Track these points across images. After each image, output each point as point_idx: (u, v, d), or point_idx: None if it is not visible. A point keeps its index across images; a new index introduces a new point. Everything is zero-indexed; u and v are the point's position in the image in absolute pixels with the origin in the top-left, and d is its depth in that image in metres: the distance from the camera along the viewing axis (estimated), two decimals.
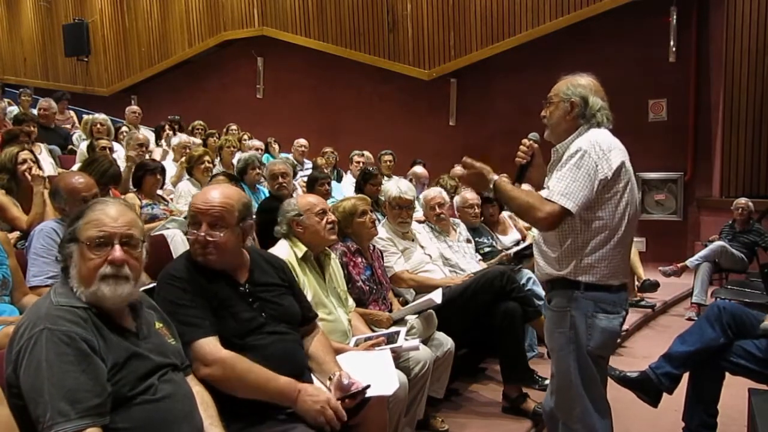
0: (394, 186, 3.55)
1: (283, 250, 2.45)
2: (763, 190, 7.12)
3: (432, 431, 2.87)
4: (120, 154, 5.27)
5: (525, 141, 2.22)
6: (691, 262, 5.71)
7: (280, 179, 4.32)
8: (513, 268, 3.70)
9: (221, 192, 1.92)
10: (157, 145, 6.69)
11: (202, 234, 1.84)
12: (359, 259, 2.94)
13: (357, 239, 3.00)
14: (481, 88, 9.11)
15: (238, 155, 5.70)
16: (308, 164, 7.10)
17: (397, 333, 2.52)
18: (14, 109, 6.99)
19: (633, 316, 5.03)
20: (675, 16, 7.80)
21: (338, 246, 2.85)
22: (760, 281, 4.65)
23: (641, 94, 8.07)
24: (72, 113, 7.86)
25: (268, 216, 2.98)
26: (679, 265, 5.79)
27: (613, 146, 2.01)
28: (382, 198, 3.79)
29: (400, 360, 2.46)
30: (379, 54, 9.61)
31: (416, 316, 2.86)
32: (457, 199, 4.37)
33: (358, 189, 5.00)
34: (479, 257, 4.03)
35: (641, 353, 4.31)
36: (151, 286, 1.94)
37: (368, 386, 1.87)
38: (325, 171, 6.12)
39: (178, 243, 3.23)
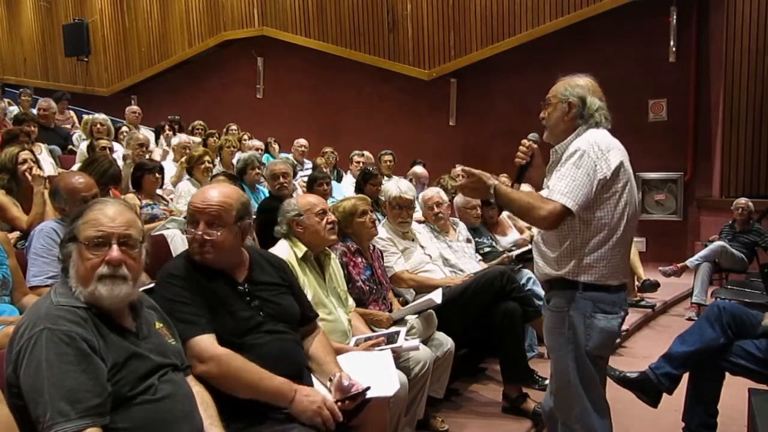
0: (394, 186, 3.55)
1: (283, 250, 2.45)
2: (763, 190, 7.13)
3: (432, 431, 2.86)
4: (120, 154, 5.27)
5: (524, 141, 2.22)
6: (691, 262, 5.71)
7: (281, 179, 4.32)
8: (513, 268, 3.70)
9: (219, 191, 1.93)
10: (157, 145, 6.69)
11: (200, 233, 1.85)
12: (359, 259, 2.94)
13: (357, 239, 3.00)
14: (481, 88, 9.11)
15: (238, 155, 5.70)
16: (308, 164, 7.10)
17: (397, 333, 2.52)
18: (14, 109, 6.99)
19: (633, 316, 5.03)
20: (675, 16, 7.80)
21: (338, 246, 2.85)
22: (760, 281, 4.65)
23: (641, 94, 8.07)
24: (72, 113, 7.86)
25: (268, 216, 2.98)
26: (679, 265, 5.79)
27: (612, 146, 2.01)
28: (382, 198, 3.79)
29: (400, 360, 2.46)
30: (379, 54, 9.62)
31: (416, 316, 2.86)
32: (458, 199, 4.36)
33: (358, 189, 5.00)
34: (479, 257, 4.04)
35: (641, 353, 4.31)
36: (151, 285, 1.94)
37: (368, 388, 1.87)
38: (325, 171, 6.13)
39: (178, 243, 3.23)
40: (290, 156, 7.00)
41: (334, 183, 5.61)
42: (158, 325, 1.66)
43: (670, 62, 7.90)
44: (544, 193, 2.02)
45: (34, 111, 6.42)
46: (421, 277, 3.39)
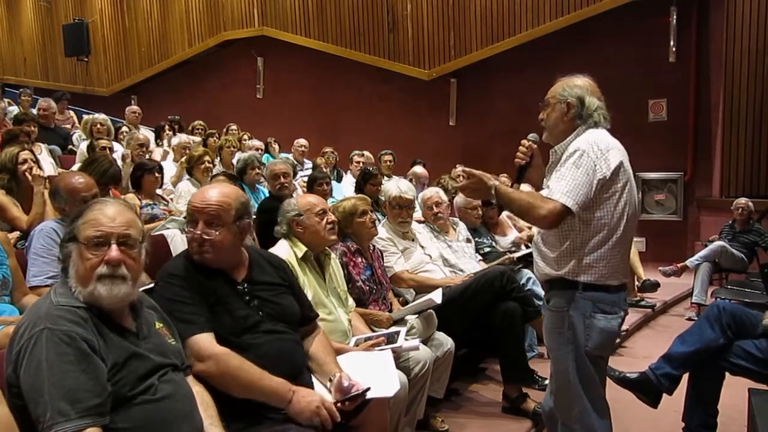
0: (394, 186, 3.55)
1: (283, 250, 2.45)
2: (763, 190, 7.13)
3: (432, 431, 2.86)
4: (120, 154, 5.27)
5: (524, 142, 2.22)
6: (691, 262, 5.71)
7: (282, 179, 4.32)
8: (513, 268, 3.70)
9: (218, 191, 1.93)
10: (157, 145, 6.69)
11: (198, 232, 1.85)
12: (359, 259, 2.94)
13: (357, 239, 3.00)
14: (481, 88, 9.11)
15: (238, 155, 5.70)
16: (308, 164, 7.10)
17: (397, 333, 2.52)
18: (14, 109, 6.99)
19: (633, 316, 5.03)
20: (675, 16, 7.80)
21: (338, 246, 2.86)
22: (760, 281, 4.65)
23: (641, 94, 8.07)
24: (72, 113, 7.86)
25: (268, 216, 2.98)
26: (679, 265, 5.79)
27: (612, 146, 2.02)
28: (382, 198, 3.79)
29: (400, 360, 2.46)
30: (379, 54, 9.62)
31: (416, 316, 2.86)
32: (459, 200, 4.36)
33: (358, 189, 5.00)
34: (479, 257, 4.03)
35: (641, 353, 4.31)
36: (151, 286, 1.94)
37: (368, 389, 1.87)
38: (325, 171, 6.13)
39: (178, 243, 3.23)
40: (290, 156, 7.00)
41: (334, 183, 5.61)
42: (158, 325, 1.66)
43: (670, 62, 7.90)
44: (544, 192, 2.02)
45: (34, 111, 6.42)
46: (421, 277, 3.39)
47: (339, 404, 1.83)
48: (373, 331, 2.69)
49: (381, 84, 9.75)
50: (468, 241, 3.97)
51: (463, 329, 3.09)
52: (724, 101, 7.36)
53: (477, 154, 8.62)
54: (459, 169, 4.88)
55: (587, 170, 1.94)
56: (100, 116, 6.03)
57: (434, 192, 3.95)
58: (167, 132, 6.99)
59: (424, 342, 2.75)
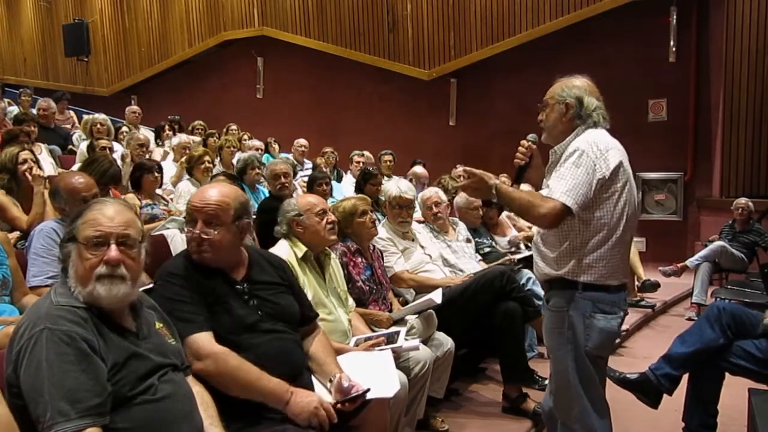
0: (394, 185, 3.55)
1: (283, 250, 2.45)
2: (763, 190, 7.13)
3: (432, 431, 2.86)
4: (120, 154, 5.27)
5: (523, 142, 2.23)
6: (691, 262, 5.71)
7: (282, 179, 4.32)
8: (513, 268, 3.70)
9: (217, 191, 1.94)
10: (157, 145, 6.69)
11: (197, 232, 1.86)
12: (359, 259, 2.94)
13: (357, 239, 3.00)
14: (481, 88, 9.11)
15: (238, 155, 5.70)
16: (308, 164, 7.10)
17: (397, 333, 2.52)
18: (14, 109, 6.99)
19: (633, 316, 5.03)
20: (675, 16, 7.80)
21: (338, 246, 2.86)
22: (760, 281, 4.65)
23: (641, 94, 8.08)
24: (72, 113, 7.86)
25: (268, 216, 2.98)
26: (679, 265, 5.79)
27: (611, 146, 2.02)
28: (382, 198, 3.79)
29: (400, 360, 2.46)
30: (379, 54, 9.62)
31: (416, 316, 2.86)
32: (460, 200, 4.36)
33: (358, 189, 5.00)
34: (479, 258, 4.04)
35: (641, 353, 4.31)
36: (151, 286, 1.94)
37: (368, 390, 1.87)
38: (325, 171, 6.13)
39: (178, 243, 3.23)
40: (290, 156, 7.00)
41: (334, 183, 5.61)
42: (158, 325, 1.66)
43: (670, 62, 7.90)
44: (544, 192, 2.02)
45: (34, 111, 6.42)
46: (421, 277, 3.39)
47: (339, 405, 1.83)
48: (373, 331, 2.69)
49: (381, 84, 9.75)
50: (468, 241, 3.97)
51: (463, 329, 3.09)
52: (724, 101, 7.36)
53: (477, 154, 8.62)
54: (459, 169, 4.88)
55: (587, 170, 1.94)
56: (100, 116, 6.03)
57: (433, 192, 3.95)
58: (167, 132, 6.99)
59: (424, 342, 2.75)
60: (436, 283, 3.27)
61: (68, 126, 7.20)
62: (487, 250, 4.19)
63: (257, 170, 4.81)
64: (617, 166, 1.99)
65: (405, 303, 3.26)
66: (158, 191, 4.25)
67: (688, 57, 7.87)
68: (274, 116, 10.38)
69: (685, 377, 2.76)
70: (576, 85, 2.11)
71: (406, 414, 2.47)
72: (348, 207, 2.99)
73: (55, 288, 1.51)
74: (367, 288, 2.90)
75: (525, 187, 2.33)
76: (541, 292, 3.59)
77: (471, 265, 3.74)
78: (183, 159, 4.93)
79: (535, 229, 2.51)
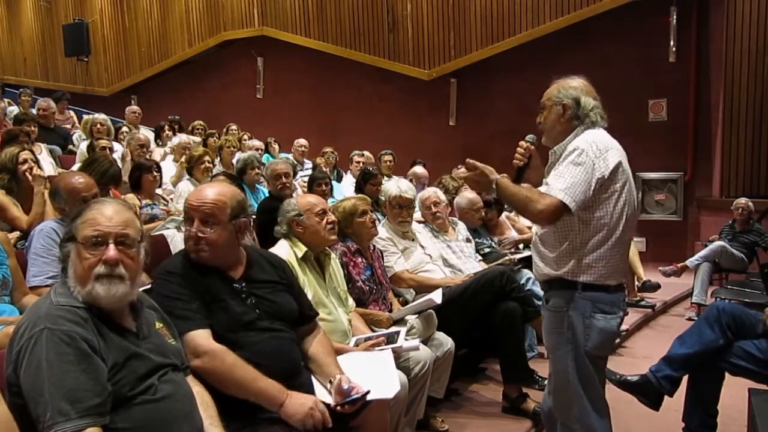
0: (394, 185, 3.55)
1: (283, 250, 2.45)
2: (763, 190, 7.13)
3: (432, 431, 2.86)
4: (120, 154, 5.27)
5: (522, 143, 2.23)
6: (691, 262, 5.71)
7: (283, 179, 4.32)
8: (513, 268, 3.70)
9: (214, 190, 1.95)
10: (157, 145, 6.69)
11: (194, 230, 1.86)
12: (359, 259, 2.94)
13: (357, 239, 3.00)
14: (481, 88, 9.11)
15: (238, 155, 5.70)
16: (308, 164, 7.10)
17: (397, 333, 2.52)
18: (14, 109, 7.00)
19: (633, 316, 5.02)
20: (675, 16, 7.80)
21: (338, 246, 2.86)
22: (760, 281, 4.65)
23: (641, 94, 8.07)
24: (72, 113, 7.86)
25: (268, 216, 2.98)
26: (679, 265, 5.79)
27: (611, 146, 2.02)
28: (382, 198, 3.79)
29: (400, 360, 2.46)
30: (379, 54, 9.62)
31: (416, 316, 2.86)
32: (461, 200, 4.36)
33: (358, 189, 5.00)
34: (479, 258, 4.04)
35: (641, 353, 4.31)
36: (150, 286, 1.94)
37: (368, 392, 1.87)
38: (325, 171, 6.12)
39: (178, 243, 3.23)
40: (290, 156, 7.00)
41: (334, 183, 5.61)
42: (158, 325, 1.66)
43: (670, 62, 7.90)
44: (542, 189, 2.02)
45: (34, 111, 6.42)
46: (421, 277, 3.39)
47: (339, 408, 1.83)
48: (373, 331, 2.69)
49: (381, 84, 9.75)
50: (468, 240, 3.97)
51: (463, 329, 3.09)
52: (724, 101, 7.35)
53: (477, 154, 8.45)
54: (461, 169, 4.88)
55: (586, 169, 1.95)
56: (100, 116, 6.03)
57: (432, 192, 3.95)
58: (167, 132, 7.00)
59: (424, 342, 2.75)
60: (436, 283, 3.27)
61: (68, 126, 7.20)
62: (487, 250, 4.19)
63: (257, 170, 4.81)
64: (616, 166, 1.99)
65: (405, 303, 3.26)
66: (158, 191, 4.25)
67: (688, 57, 7.87)
68: (274, 116, 10.38)
69: (685, 377, 2.76)
70: (573, 86, 2.11)
71: (406, 414, 2.47)
72: (348, 207, 2.99)
73: (55, 288, 1.51)
74: (367, 288, 2.90)
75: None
76: (541, 292, 3.58)
77: (471, 265, 3.74)
78: (183, 159, 4.92)
79: (534, 229, 2.52)
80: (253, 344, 1.85)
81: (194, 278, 1.86)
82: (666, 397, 2.74)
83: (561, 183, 1.94)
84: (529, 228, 4.78)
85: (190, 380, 1.67)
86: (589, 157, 1.96)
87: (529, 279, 3.79)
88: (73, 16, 12.31)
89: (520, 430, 3.00)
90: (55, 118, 6.63)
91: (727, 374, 2.72)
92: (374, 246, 3.18)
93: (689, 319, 5.29)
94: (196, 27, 11.27)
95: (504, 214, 4.87)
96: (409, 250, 3.47)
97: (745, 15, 7.16)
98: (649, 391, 2.72)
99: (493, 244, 4.36)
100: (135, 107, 7.44)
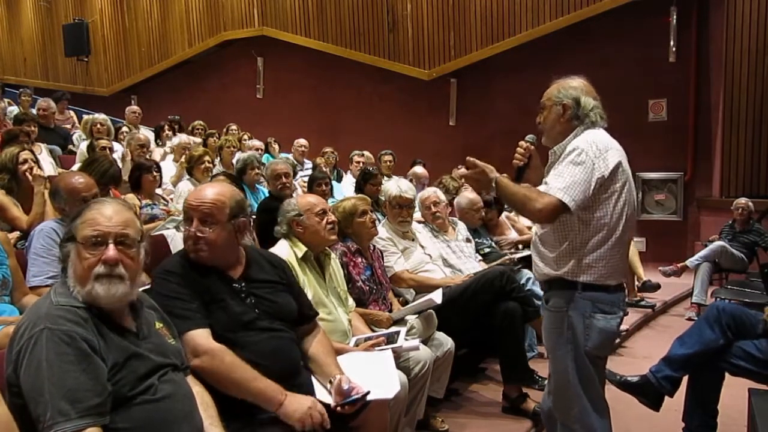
0: (394, 185, 3.55)
1: (283, 250, 2.45)
2: (763, 190, 7.13)
3: (432, 431, 2.86)
4: (120, 154, 5.27)
5: (522, 143, 2.23)
6: (691, 262, 5.71)
7: (283, 179, 4.32)
8: (513, 268, 3.70)
9: (213, 189, 1.95)
10: (157, 145, 6.69)
11: (193, 230, 1.87)
12: (359, 259, 2.94)
13: (357, 239, 3.00)
14: (481, 88, 9.11)
15: (238, 155, 5.70)
16: (308, 164, 7.10)
17: (397, 333, 2.52)
18: (14, 109, 7.00)
19: (633, 316, 5.02)
20: (675, 16, 7.80)
21: (338, 246, 2.85)
22: (760, 281, 4.65)
23: (641, 94, 8.08)
24: (72, 113, 7.86)
25: (268, 216, 2.98)
26: (679, 265, 5.79)
27: (610, 146, 2.02)
28: (382, 198, 3.79)
29: (400, 360, 2.46)
30: (379, 54, 9.62)
31: (416, 316, 2.86)
32: (461, 200, 4.36)
33: (358, 189, 5.00)
34: (479, 258, 4.04)
35: (641, 353, 4.31)
36: (150, 285, 1.94)
37: (368, 392, 1.87)
38: (325, 171, 6.13)
39: (178, 243, 3.22)
40: (290, 156, 7.00)
41: (334, 183, 5.61)
42: (158, 325, 1.66)
43: (670, 62, 7.90)
44: (541, 188, 2.02)
45: (34, 111, 6.42)
46: (421, 277, 3.39)
47: (338, 408, 1.83)
48: (373, 331, 2.69)
49: (381, 84, 9.75)
50: (468, 240, 3.97)
51: (463, 329, 3.09)
52: (724, 101, 7.35)
53: (477, 154, 8.40)
54: (461, 169, 4.87)
55: (585, 168, 1.95)
56: (100, 116, 6.03)
57: (431, 192, 3.96)
58: (167, 132, 7.00)
59: (424, 342, 2.75)
60: (436, 283, 3.27)
61: (68, 126, 7.20)
62: (487, 250, 4.19)
63: (257, 170, 4.81)
64: (616, 166, 1.99)
65: (405, 303, 3.26)
66: (158, 191, 4.25)
67: (688, 57, 7.87)
68: (274, 116, 10.38)
69: (685, 377, 2.76)
70: (572, 86, 2.12)
71: (406, 414, 2.47)
72: (348, 207, 2.99)
73: (54, 288, 1.51)
74: (367, 288, 2.90)
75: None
76: (540, 292, 3.58)
77: (471, 265, 3.74)
78: (183, 159, 4.93)
79: (534, 229, 2.51)
80: (252, 344, 1.85)
81: (194, 278, 1.86)
82: (666, 398, 2.74)
83: (560, 182, 1.94)
84: (529, 228, 4.77)
85: (190, 380, 1.68)
86: (589, 156, 1.96)
87: (529, 279, 3.79)
88: (73, 16, 12.31)
89: (520, 430, 3.00)
90: (55, 118, 6.63)
91: (727, 374, 2.72)
92: (374, 246, 3.18)
93: (689, 319, 5.29)
94: (196, 27, 11.27)
95: (504, 215, 4.87)
96: (409, 250, 3.47)
97: (745, 15, 7.16)
98: (649, 391, 2.72)
99: (493, 244, 4.36)
100: (135, 107, 7.44)
